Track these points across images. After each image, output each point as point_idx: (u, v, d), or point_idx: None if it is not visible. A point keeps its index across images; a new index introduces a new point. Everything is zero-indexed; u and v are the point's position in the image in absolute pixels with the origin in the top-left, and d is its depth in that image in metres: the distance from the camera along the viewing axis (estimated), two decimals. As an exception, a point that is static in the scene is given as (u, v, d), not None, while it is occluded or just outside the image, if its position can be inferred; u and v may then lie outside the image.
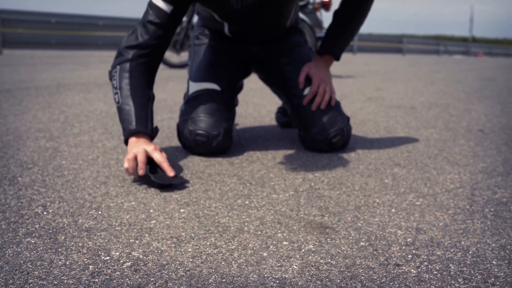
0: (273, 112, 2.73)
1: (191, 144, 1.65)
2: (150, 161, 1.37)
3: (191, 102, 1.70)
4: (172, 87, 3.98)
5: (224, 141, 1.65)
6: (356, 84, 4.75)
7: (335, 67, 7.74)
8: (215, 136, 1.63)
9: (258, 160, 1.64)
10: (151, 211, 1.14)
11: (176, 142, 1.87)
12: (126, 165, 1.33)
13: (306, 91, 1.77)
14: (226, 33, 1.80)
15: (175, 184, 1.32)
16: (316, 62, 1.80)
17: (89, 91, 3.47)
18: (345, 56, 14.10)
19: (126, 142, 1.42)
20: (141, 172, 1.31)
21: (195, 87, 1.73)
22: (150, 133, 1.43)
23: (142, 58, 1.49)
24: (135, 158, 1.33)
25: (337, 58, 1.82)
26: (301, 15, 5.36)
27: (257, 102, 3.06)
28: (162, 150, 1.65)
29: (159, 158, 1.36)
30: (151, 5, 1.48)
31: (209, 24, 1.84)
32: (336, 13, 1.79)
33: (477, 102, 3.55)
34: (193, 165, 1.56)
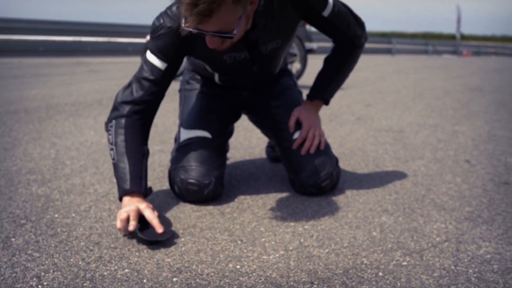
0: (263, 140, 2.75)
1: (182, 192, 1.67)
2: (141, 217, 1.41)
3: (182, 149, 1.72)
4: (162, 107, 3.98)
5: (215, 190, 1.68)
6: (345, 99, 4.79)
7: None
8: (206, 185, 1.65)
9: (248, 208, 1.67)
10: (145, 281, 1.16)
11: (167, 185, 1.89)
12: (118, 225, 1.37)
13: (296, 135, 1.80)
14: (217, 81, 1.83)
15: (162, 240, 1.34)
16: (306, 106, 1.84)
17: (79, 114, 3.47)
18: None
19: (120, 199, 1.46)
20: (131, 228, 1.35)
21: (186, 134, 1.75)
22: (144, 192, 1.46)
23: (137, 114, 1.53)
24: (127, 219, 1.36)
25: (327, 103, 1.85)
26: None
27: (247, 127, 3.09)
28: (154, 192, 1.67)
29: (150, 216, 1.39)
30: (145, 62, 1.52)
31: (200, 72, 1.87)
32: (326, 60, 1.82)
33: (464, 121, 3.60)
34: (184, 216, 1.58)
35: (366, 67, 10.64)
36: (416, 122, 3.49)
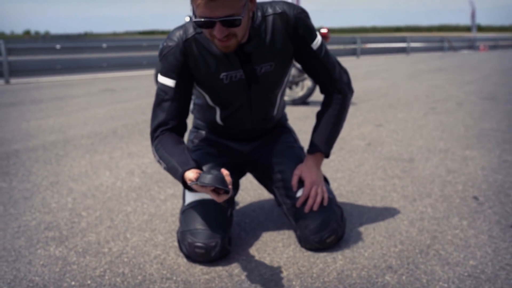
0: (273, 177, 2.80)
1: (191, 254, 1.74)
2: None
3: (188, 213, 1.79)
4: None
5: (222, 250, 1.74)
6: (356, 118, 4.81)
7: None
8: (213, 247, 1.71)
9: (256, 269, 1.72)
10: None
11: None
12: (217, 198, 1.45)
13: (299, 193, 1.85)
14: (218, 122, 1.90)
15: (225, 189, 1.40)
16: (307, 163, 1.89)
17: (95, 150, 3.56)
18: (349, 62, 14.14)
19: (185, 186, 1.59)
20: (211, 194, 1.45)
21: (190, 197, 1.82)
22: (195, 166, 1.56)
23: (167, 131, 1.70)
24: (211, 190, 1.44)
25: (327, 155, 1.90)
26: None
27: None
28: (165, 250, 1.74)
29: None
30: (159, 86, 1.70)
31: (204, 115, 1.94)
32: (319, 115, 1.90)
33: (475, 143, 3.61)
34: (194, 281, 1.65)
35: (380, 72, 10.62)
36: (427, 147, 3.51)
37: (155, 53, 11.07)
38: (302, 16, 1.67)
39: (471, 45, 24.74)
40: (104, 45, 10.99)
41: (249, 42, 1.61)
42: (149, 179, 2.84)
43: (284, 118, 2.10)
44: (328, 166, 3.05)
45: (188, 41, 1.64)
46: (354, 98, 6.27)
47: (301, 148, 2.03)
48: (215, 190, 1.44)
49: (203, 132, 2.01)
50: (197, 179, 1.43)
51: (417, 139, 3.80)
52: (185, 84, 1.69)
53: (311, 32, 1.70)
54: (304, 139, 3.72)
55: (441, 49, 22.87)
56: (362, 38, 18.44)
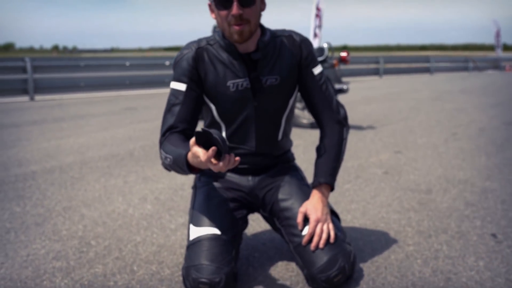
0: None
1: (196, 290, 1.70)
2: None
3: (193, 247, 1.76)
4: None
5: (227, 287, 1.71)
6: (375, 143, 4.74)
7: (358, 107, 7.73)
8: (217, 283, 1.68)
9: (261, 309, 1.68)
10: None
11: (185, 275, 1.93)
12: (213, 167, 1.37)
13: (305, 231, 1.81)
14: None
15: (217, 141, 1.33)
16: (312, 200, 1.85)
17: (111, 173, 3.58)
18: (371, 83, 14.05)
19: (191, 168, 1.53)
20: (210, 152, 1.33)
21: (195, 232, 1.80)
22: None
23: (174, 131, 1.72)
24: (205, 156, 1.35)
25: (332, 186, 1.87)
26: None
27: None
28: (170, 285, 1.70)
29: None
30: (170, 92, 1.76)
31: None
32: (320, 147, 1.92)
33: (496, 173, 3.51)
34: (197, 321, 1.61)
35: (402, 93, 10.51)
36: (445, 177, 3.42)
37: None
38: (307, 42, 1.83)
39: (497, 65, 24.36)
40: (128, 63, 11.16)
41: (257, 51, 1.74)
42: (161, 206, 2.82)
43: (291, 155, 2.08)
44: (343, 196, 2.99)
45: (200, 48, 1.76)
46: (374, 122, 6.20)
47: (308, 186, 1.99)
48: (216, 156, 1.36)
49: (210, 169, 2.00)
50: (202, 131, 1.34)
51: (436, 168, 3.72)
52: (195, 88, 1.75)
53: (314, 58, 1.84)
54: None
55: (465, 69, 22.57)
56: (385, 58, 18.33)
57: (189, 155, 1.46)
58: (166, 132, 1.72)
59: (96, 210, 2.75)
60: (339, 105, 1.92)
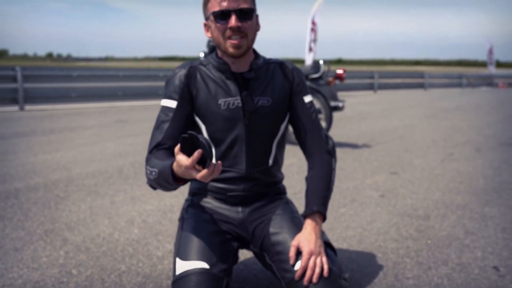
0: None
1: (182, 331, 1.58)
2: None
3: (180, 283, 1.63)
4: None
5: (216, 326, 1.58)
6: (370, 163, 4.65)
7: (353, 124, 7.65)
8: None
9: None
10: None
11: (170, 312, 1.81)
12: (198, 175, 1.31)
13: (297, 265, 1.69)
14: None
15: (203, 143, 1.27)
16: (305, 232, 1.73)
17: (97, 193, 3.45)
18: (366, 98, 14.02)
19: (176, 179, 1.46)
20: (196, 155, 1.28)
21: (182, 266, 1.67)
22: None
23: (161, 148, 1.67)
24: (189, 160, 1.30)
25: (324, 215, 1.77)
26: (314, 86, 5.32)
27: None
28: None
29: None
30: (160, 109, 1.73)
31: None
32: (309, 177, 1.85)
33: (495, 198, 3.41)
34: None
35: (396, 110, 10.46)
36: (444, 202, 3.32)
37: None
38: (299, 71, 1.85)
39: (490, 82, 24.48)
40: (120, 73, 11.04)
41: (250, 71, 1.74)
42: (148, 230, 2.70)
43: (282, 187, 1.98)
44: (339, 221, 2.88)
45: (193, 68, 1.76)
46: (369, 140, 6.12)
47: (301, 219, 1.88)
48: (200, 161, 1.30)
49: (197, 200, 1.90)
50: (187, 135, 1.29)
51: (434, 191, 3.62)
52: (186, 106, 1.72)
53: (305, 86, 1.85)
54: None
55: (459, 85, 22.65)
56: (380, 73, 18.35)
57: (174, 164, 1.42)
58: (153, 149, 1.68)
59: (79, 234, 2.62)
60: (328, 136, 1.91)
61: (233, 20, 1.61)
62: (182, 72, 1.74)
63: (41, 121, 7.59)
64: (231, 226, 1.84)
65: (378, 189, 3.68)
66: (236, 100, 1.73)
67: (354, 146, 5.63)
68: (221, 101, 1.73)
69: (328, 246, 1.83)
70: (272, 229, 1.81)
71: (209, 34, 1.73)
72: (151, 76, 11.78)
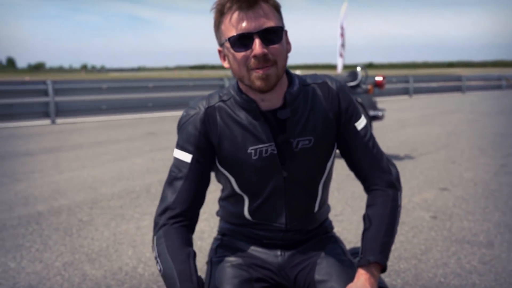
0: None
1: None
2: None
3: None
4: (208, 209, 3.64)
5: None
6: (416, 177, 4.28)
7: (391, 133, 7.26)
8: None
9: None
10: None
11: None
12: None
13: (349, 321, 1.38)
14: (247, 216, 1.49)
15: None
16: (358, 283, 1.40)
17: (123, 216, 3.21)
18: (402, 104, 13.54)
19: None
20: None
21: None
22: (196, 286, 1.21)
23: (174, 219, 1.34)
24: None
25: (384, 266, 1.43)
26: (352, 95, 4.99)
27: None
28: None
29: None
30: (173, 162, 1.38)
31: (230, 211, 1.54)
32: (368, 216, 1.44)
33: None
34: None
35: (436, 116, 9.98)
36: (506, 224, 2.94)
37: (203, 92, 10.91)
38: (345, 88, 1.40)
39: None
40: (150, 84, 10.92)
41: (284, 108, 1.34)
42: (176, 262, 2.43)
43: (329, 224, 1.65)
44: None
45: (211, 108, 1.39)
46: (411, 150, 5.73)
47: (351, 262, 1.56)
48: None
49: (228, 240, 1.60)
50: None
51: (492, 211, 3.23)
52: (203, 160, 1.38)
53: (356, 109, 1.41)
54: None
55: (498, 87, 21.80)
56: (415, 77, 17.78)
57: None
58: (163, 214, 1.35)
59: (100, 268, 2.37)
60: (390, 164, 1.49)
61: (257, 46, 1.23)
62: (197, 117, 1.38)
63: (70, 135, 7.49)
64: (268, 272, 1.54)
65: (428, 209, 3.32)
66: (270, 147, 1.38)
67: (395, 157, 5.25)
68: (251, 149, 1.38)
69: (384, 292, 1.51)
70: (317, 276, 1.49)
71: (226, 64, 1.35)
72: (181, 86, 11.63)
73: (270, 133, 1.35)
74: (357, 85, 4.99)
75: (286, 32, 1.31)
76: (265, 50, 1.23)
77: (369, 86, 5.10)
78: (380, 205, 1.43)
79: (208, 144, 1.38)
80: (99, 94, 10.09)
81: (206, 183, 1.39)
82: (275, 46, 1.25)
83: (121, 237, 2.81)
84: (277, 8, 1.27)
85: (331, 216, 3.05)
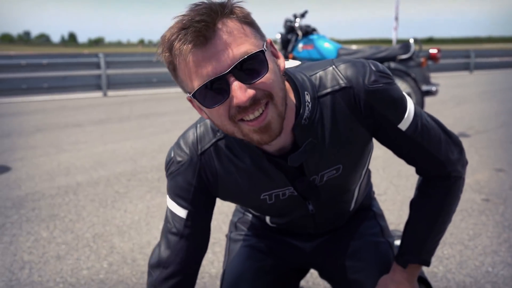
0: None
1: None
2: None
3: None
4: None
5: None
6: (470, 157, 4.00)
7: (447, 110, 6.88)
8: None
9: None
10: None
11: None
12: None
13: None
14: (268, 223, 1.36)
15: None
16: (394, 277, 1.25)
17: (159, 189, 3.17)
18: (461, 80, 12.88)
19: None
20: None
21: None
22: None
23: (167, 280, 1.13)
24: None
25: (427, 263, 1.26)
26: (403, 68, 4.71)
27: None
28: None
29: None
30: (167, 211, 1.14)
31: (249, 217, 1.43)
32: (414, 206, 1.24)
33: None
34: None
35: (497, 92, 9.39)
36: None
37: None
38: (376, 88, 1.02)
39: None
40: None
41: (295, 150, 1.03)
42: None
43: (369, 196, 1.47)
44: (431, 234, 2.36)
45: (205, 154, 1.08)
46: (466, 128, 5.39)
47: (390, 244, 1.39)
48: None
49: (251, 217, 1.47)
50: None
51: (553, 196, 2.96)
52: (201, 213, 1.13)
53: (396, 107, 1.05)
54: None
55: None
56: (476, 51, 16.85)
57: None
58: (157, 267, 1.14)
59: (129, 241, 2.33)
60: (450, 150, 1.16)
61: (237, 91, 0.85)
62: (189, 167, 1.08)
63: (119, 107, 7.58)
64: (292, 256, 1.41)
65: (480, 191, 3.07)
66: (288, 190, 1.12)
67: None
68: (264, 195, 1.13)
69: (423, 283, 1.35)
70: (349, 262, 1.34)
71: (205, 115, 0.97)
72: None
73: (285, 177, 1.08)
74: (410, 58, 4.70)
75: (268, 43, 0.93)
76: (250, 92, 0.86)
77: (422, 59, 4.79)
78: (433, 197, 1.21)
79: (206, 196, 1.13)
80: (150, 68, 10.16)
81: (206, 236, 1.17)
82: (261, 79, 0.87)
83: (154, 210, 2.77)
84: (247, 20, 0.89)
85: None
